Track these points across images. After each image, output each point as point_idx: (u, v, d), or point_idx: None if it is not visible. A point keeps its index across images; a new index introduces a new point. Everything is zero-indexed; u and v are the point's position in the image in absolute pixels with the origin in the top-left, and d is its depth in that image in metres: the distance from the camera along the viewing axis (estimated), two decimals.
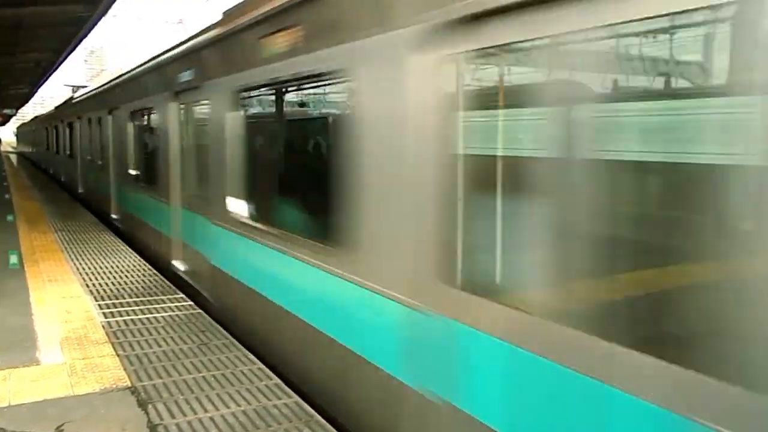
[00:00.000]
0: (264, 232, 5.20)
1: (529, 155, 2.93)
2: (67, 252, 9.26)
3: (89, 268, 8.23)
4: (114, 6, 13.01)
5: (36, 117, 41.35)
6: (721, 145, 2.18)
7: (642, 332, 2.41)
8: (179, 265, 7.78)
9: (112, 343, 5.35)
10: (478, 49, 2.87)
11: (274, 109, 5.91)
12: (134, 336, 5.58)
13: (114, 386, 4.48)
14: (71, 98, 21.46)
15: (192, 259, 7.31)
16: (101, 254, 9.21)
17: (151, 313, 6.27)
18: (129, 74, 10.82)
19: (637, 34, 2.39)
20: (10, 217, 12.76)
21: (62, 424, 3.88)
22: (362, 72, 3.70)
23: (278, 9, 4.70)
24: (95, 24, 14.86)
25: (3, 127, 72.90)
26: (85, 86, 25.58)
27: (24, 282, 7.33)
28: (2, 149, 60.50)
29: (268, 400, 4.31)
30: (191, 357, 5.09)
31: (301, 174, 5.42)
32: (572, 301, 2.62)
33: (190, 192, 7.42)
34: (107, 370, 4.76)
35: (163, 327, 5.85)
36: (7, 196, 17.42)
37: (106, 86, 13.41)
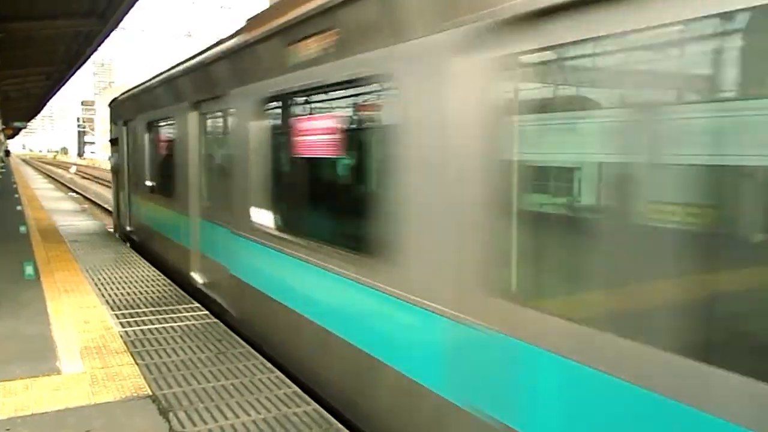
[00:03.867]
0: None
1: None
2: (82, 262, 9.34)
3: (105, 279, 8.29)
4: (123, 20, 13.20)
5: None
6: None
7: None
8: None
9: (131, 353, 5.40)
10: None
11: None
12: (152, 345, 5.62)
13: (135, 395, 4.52)
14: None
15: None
16: (116, 264, 9.27)
17: (168, 323, 6.32)
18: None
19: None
20: (23, 229, 12.88)
21: None
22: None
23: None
24: (105, 38, 15.05)
25: (11, 140, 73.33)
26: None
27: (41, 292, 7.39)
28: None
29: (287, 408, 4.34)
30: (209, 366, 5.13)
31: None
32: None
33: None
34: (127, 379, 4.80)
35: (180, 336, 5.90)
36: (18, 207, 17.56)
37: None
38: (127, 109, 12.26)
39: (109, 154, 16.22)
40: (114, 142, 14.03)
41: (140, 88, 11.13)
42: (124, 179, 12.93)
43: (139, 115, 11.01)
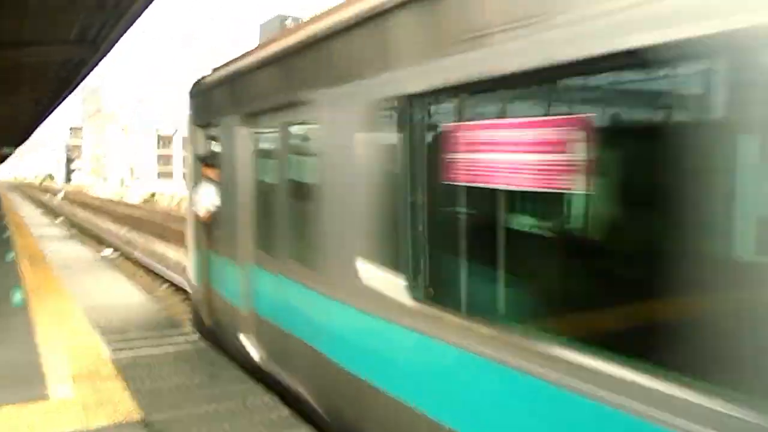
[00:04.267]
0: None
1: None
2: (71, 288, 9.28)
3: (94, 304, 8.25)
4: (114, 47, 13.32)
5: None
6: None
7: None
8: None
9: (123, 378, 5.37)
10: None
11: None
12: (144, 370, 5.60)
13: (127, 420, 4.49)
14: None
15: None
16: (105, 290, 9.24)
17: (159, 347, 6.30)
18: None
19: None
20: (11, 255, 12.78)
21: None
22: None
23: None
24: (96, 65, 15.16)
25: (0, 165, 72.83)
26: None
27: (29, 319, 7.33)
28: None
29: (280, 431, 4.34)
30: (202, 390, 5.12)
31: None
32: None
33: None
34: (119, 404, 4.77)
35: (172, 361, 5.88)
36: (6, 234, 17.43)
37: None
38: (261, 90, 5.71)
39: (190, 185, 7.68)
40: (209, 161, 6.95)
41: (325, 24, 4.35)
42: (237, 238, 6.05)
43: (331, 90, 4.28)
